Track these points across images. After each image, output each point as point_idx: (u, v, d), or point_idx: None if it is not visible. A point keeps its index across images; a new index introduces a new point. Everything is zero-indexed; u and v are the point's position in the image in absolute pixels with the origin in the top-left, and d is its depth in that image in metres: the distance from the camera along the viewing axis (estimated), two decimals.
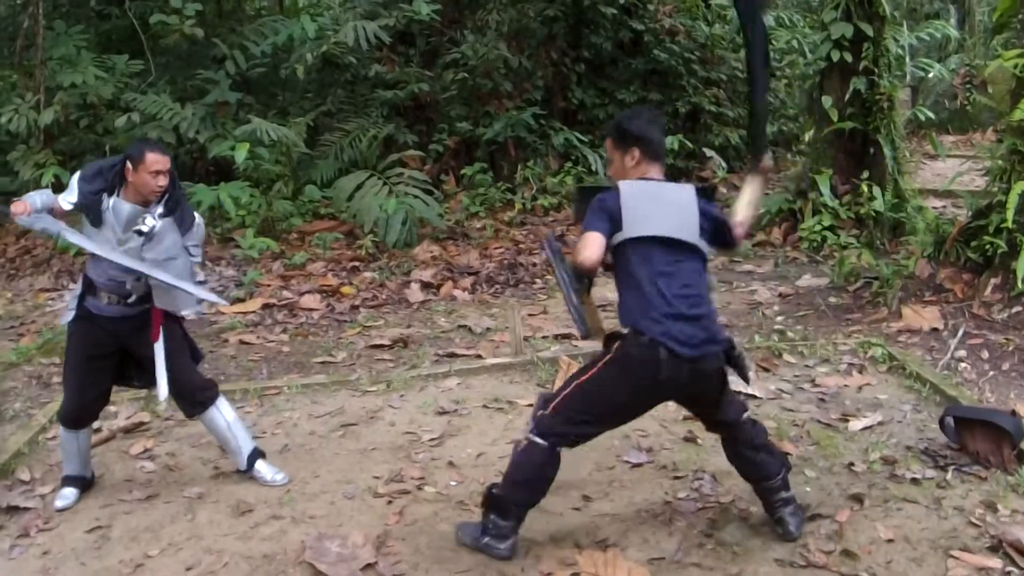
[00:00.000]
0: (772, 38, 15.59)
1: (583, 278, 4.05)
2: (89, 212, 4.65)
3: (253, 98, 12.76)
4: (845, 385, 6.14)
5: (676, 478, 4.89)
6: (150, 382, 4.95)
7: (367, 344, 7.48)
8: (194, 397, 5.00)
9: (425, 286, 9.13)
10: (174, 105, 11.43)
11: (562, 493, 4.72)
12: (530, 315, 7.99)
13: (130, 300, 4.74)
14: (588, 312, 4.12)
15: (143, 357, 4.86)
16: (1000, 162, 7.50)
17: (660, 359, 3.81)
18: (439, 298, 8.97)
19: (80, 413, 4.90)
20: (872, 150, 10.28)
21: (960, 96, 19.68)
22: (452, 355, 7.15)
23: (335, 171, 11.91)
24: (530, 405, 5.82)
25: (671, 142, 12.91)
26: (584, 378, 4.03)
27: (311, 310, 8.52)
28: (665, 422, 5.60)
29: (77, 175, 4.71)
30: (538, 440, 4.02)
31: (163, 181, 4.64)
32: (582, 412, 4.02)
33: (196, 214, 4.92)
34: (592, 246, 3.87)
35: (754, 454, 4.27)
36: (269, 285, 9.16)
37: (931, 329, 7.05)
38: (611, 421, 4.20)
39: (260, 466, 5.15)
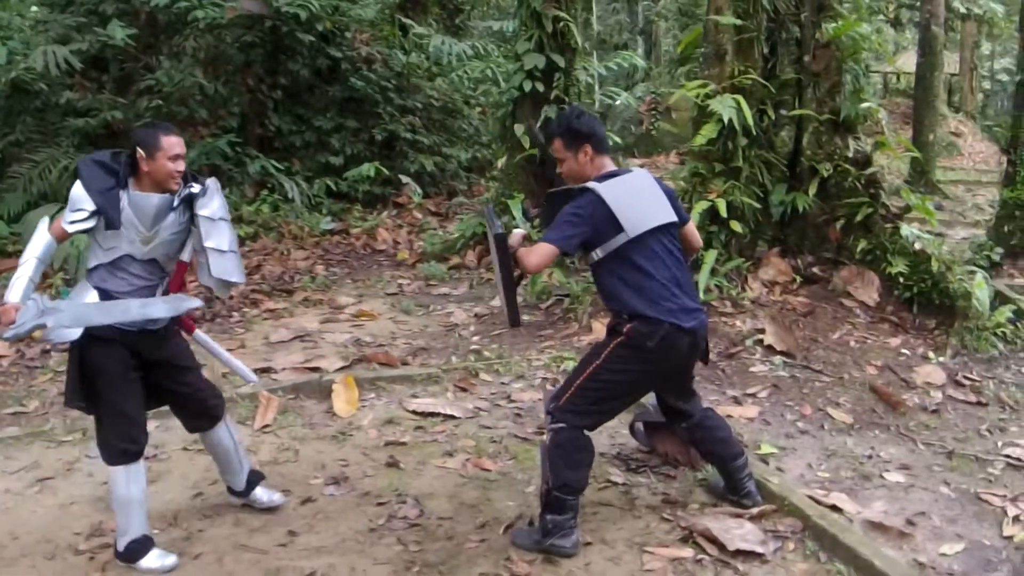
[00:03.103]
0: (466, 68, 15.96)
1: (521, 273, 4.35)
2: (108, 213, 4.12)
3: None
4: (539, 399, 6.28)
5: (379, 504, 4.84)
6: (159, 401, 4.56)
7: (60, 391, 6.91)
8: (208, 408, 4.56)
9: None
10: None
11: (267, 531, 4.62)
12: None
13: None
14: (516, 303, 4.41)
15: (165, 369, 4.41)
16: (683, 183, 8.01)
17: (666, 335, 4.18)
18: None
19: (133, 437, 4.25)
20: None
21: (646, 122, 20.84)
22: None
23: (24, 204, 11.07)
24: None
25: (368, 169, 13.00)
26: (594, 366, 4.28)
27: (0, 356, 7.86)
28: (366, 449, 5.56)
29: (77, 185, 4.14)
30: (560, 426, 4.25)
31: (181, 165, 4.22)
32: (595, 396, 4.28)
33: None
34: (545, 258, 4.16)
35: (727, 434, 4.73)
36: None
37: None
38: (621, 401, 4.47)
39: (259, 490, 4.81)
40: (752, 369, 6.67)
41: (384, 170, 13.38)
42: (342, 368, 6.96)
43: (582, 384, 4.26)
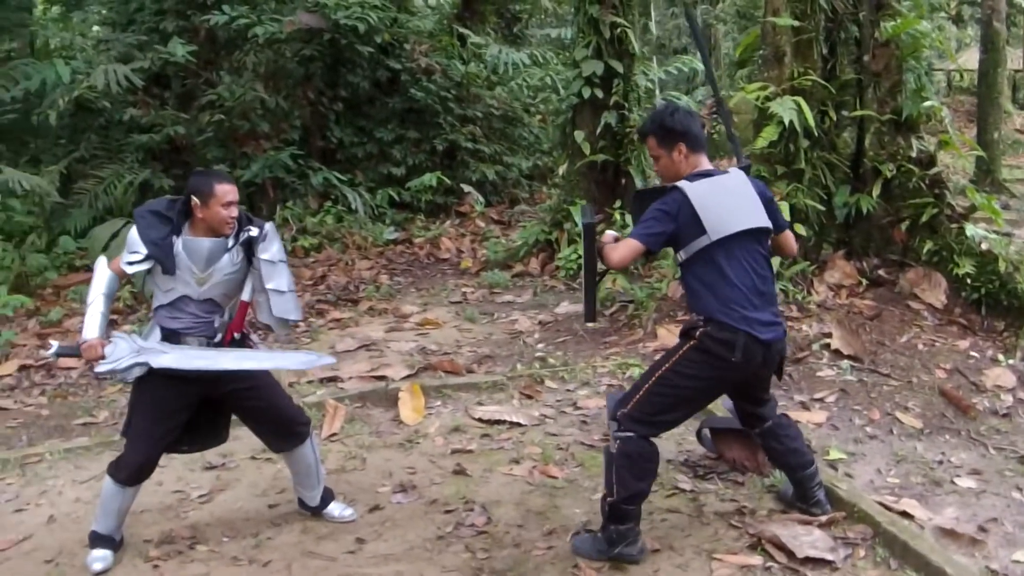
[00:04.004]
0: (525, 76, 16.02)
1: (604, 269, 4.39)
2: (163, 260, 4.35)
3: (3, 146, 12.05)
4: (605, 405, 6.29)
5: (447, 512, 4.90)
6: (205, 440, 4.79)
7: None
8: (292, 428, 4.68)
9: None
10: None
11: (335, 538, 4.69)
12: None
13: (216, 339, 4.50)
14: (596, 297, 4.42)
15: (238, 394, 4.57)
16: None
17: (739, 344, 4.10)
18: None
19: (145, 468, 4.47)
20: (623, 180, 10.69)
21: (707, 126, 20.73)
22: None
23: (90, 220, 11.34)
24: None
25: (430, 179, 13.12)
26: (664, 369, 4.24)
27: (70, 369, 7.97)
28: (433, 457, 5.62)
29: (132, 230, 4.42)
30: (628, 435, 4.19)
31: (235, 212, 4.39)
32: (662, 403, 4.23)
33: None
34: (628, 255, 4.19)
35: (799, 443, 4.63)
36: (25, 345, 8.54)
37: None
38: (688, 409, 4.41)
39: (333, 505, 4.90)
40: (819, 374, 6.61)
41: (446, 179, 13.54)
42: (408, 376, 7.03)
43: (650, 388, 4.22)
